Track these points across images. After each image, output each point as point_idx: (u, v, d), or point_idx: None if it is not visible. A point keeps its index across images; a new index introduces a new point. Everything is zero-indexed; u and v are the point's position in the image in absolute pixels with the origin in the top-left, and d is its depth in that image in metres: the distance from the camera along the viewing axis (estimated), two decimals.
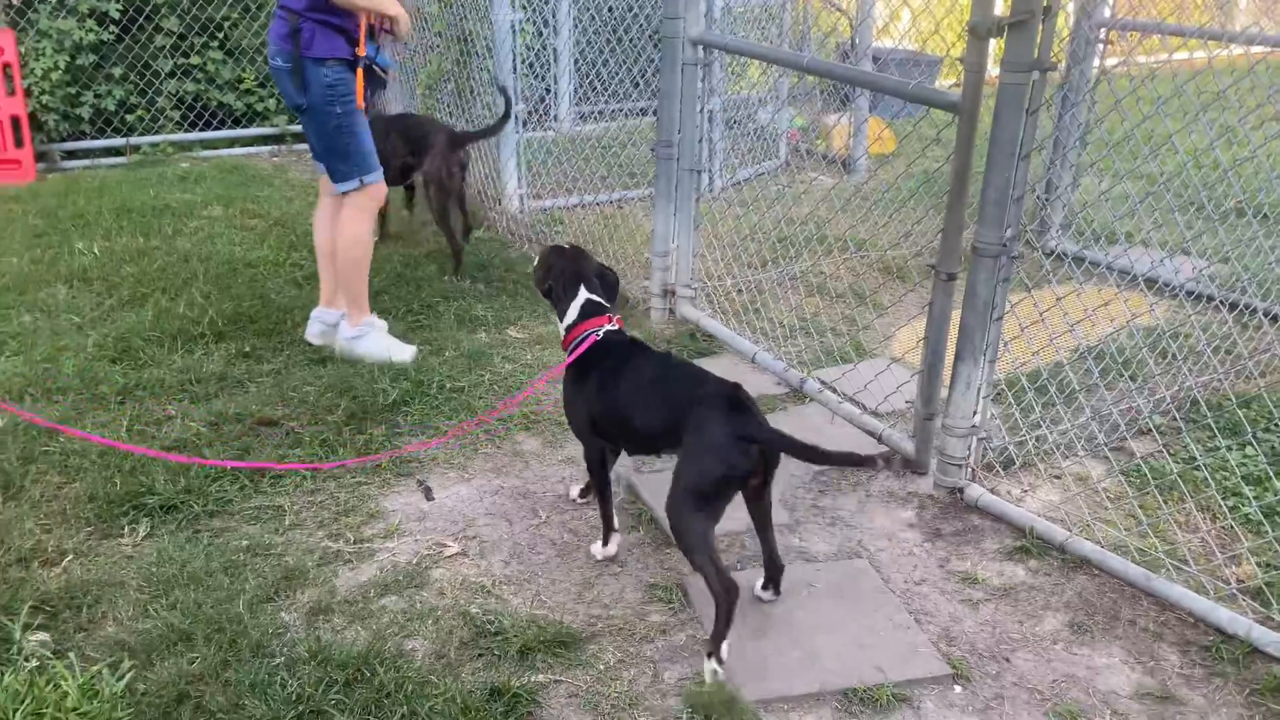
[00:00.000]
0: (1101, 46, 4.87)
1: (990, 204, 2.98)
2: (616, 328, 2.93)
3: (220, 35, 7.37)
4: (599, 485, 2.96)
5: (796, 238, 5.31)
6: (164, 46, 7.21)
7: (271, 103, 7.59)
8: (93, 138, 7.19)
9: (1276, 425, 3.60)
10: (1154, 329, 4.33)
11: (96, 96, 7.09)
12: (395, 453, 3.44)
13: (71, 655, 2.49)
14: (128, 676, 2.44)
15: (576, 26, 7.48)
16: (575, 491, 3.28)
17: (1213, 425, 3.47)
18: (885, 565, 3.00)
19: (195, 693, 2.41)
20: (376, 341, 4.14)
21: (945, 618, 2.78)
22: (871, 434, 3.62)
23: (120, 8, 6.93)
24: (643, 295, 4.77)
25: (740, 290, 4.76)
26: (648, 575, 2.92)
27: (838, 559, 3.03)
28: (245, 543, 3.00)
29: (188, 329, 4.30)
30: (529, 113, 6.20)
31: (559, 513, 3.22)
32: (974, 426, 3.24)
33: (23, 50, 6.71)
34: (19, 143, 6.62)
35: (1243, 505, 3.17)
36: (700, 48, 4.24)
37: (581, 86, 7.67)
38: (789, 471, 3.46)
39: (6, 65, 6.52)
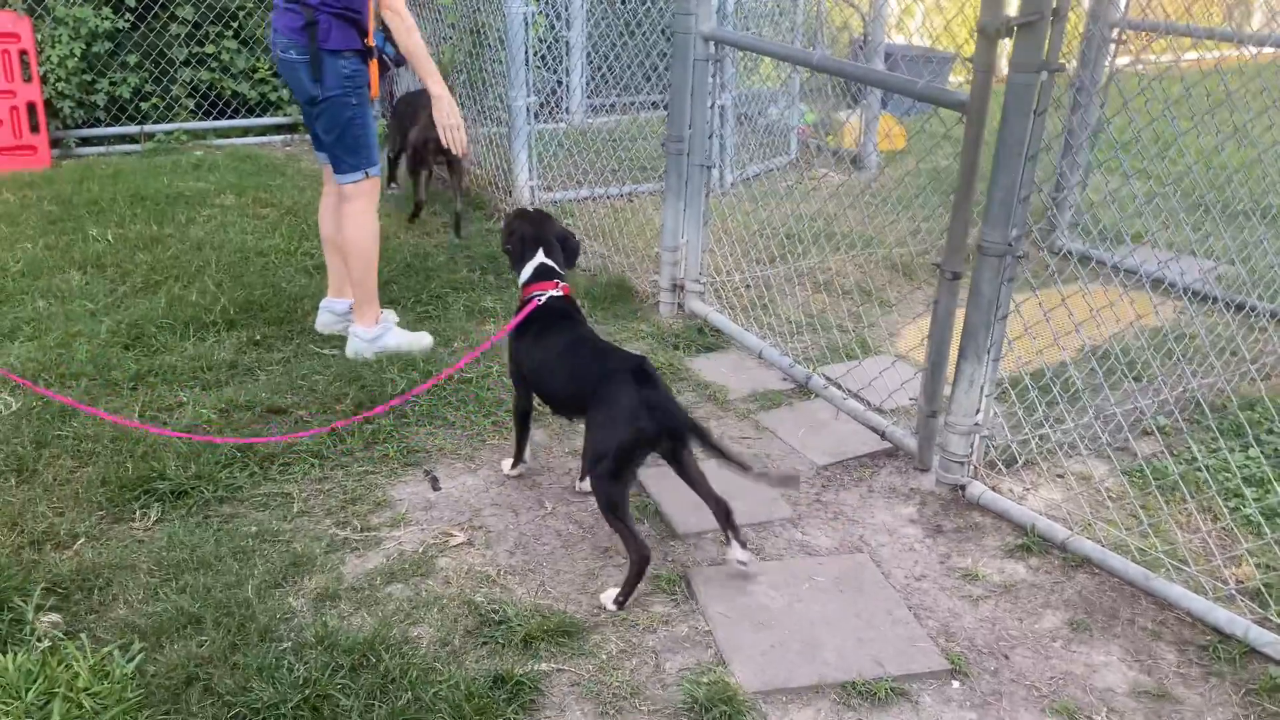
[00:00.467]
0: (1113, 46, 4.87)
1: (996, 204, 2.99)
2: (560, 294, 3.16)
3: (235, 24, 7.40)
4: (519, 429, 3.32)
5: (805, 234, 5.32)
6: (179, 35, 7.26)
7: (285, 92, 7.62)
8: (107, 125, 7.25)
9: (1278, 428, 3.61)
10: (1159, 330, 4.34)
11: (112, 84, 7.14)
12: (374, 409, 3.47)
13: (83, 636, 2.54)
14: (138, 658, 2.48)
15: (589, 19, 7.51)
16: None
17: (1215, 427, 3.48)
18: (886, 560, 3.02)
19: (204, 675, 2.45)
20: (400, 335, 4.18)
21: (945, 613, 2.81)
22: (875, 430, 3.64)
23: None
24: (652, 289, 4.79)
25: (748, 286, 4.78)
26: (650, 567, 2.95)
27: (839, 553, 3.05)
28: (254, 529, 3.04)
29: (199, 316, 4.34)
30: (541, 105, 6.22)
31: (565, 504, 3.26)
32: (977, 424, 3.26)
33: (39, 37, 6.76)
34: (35, 129, 6.67)
35: (1243, 507, 3.18)
36: (711, 43, 4.26)
37: (593, 79, 7.69)
38: (792, 467, 3.49)
39: (23, 52, 6.57)
